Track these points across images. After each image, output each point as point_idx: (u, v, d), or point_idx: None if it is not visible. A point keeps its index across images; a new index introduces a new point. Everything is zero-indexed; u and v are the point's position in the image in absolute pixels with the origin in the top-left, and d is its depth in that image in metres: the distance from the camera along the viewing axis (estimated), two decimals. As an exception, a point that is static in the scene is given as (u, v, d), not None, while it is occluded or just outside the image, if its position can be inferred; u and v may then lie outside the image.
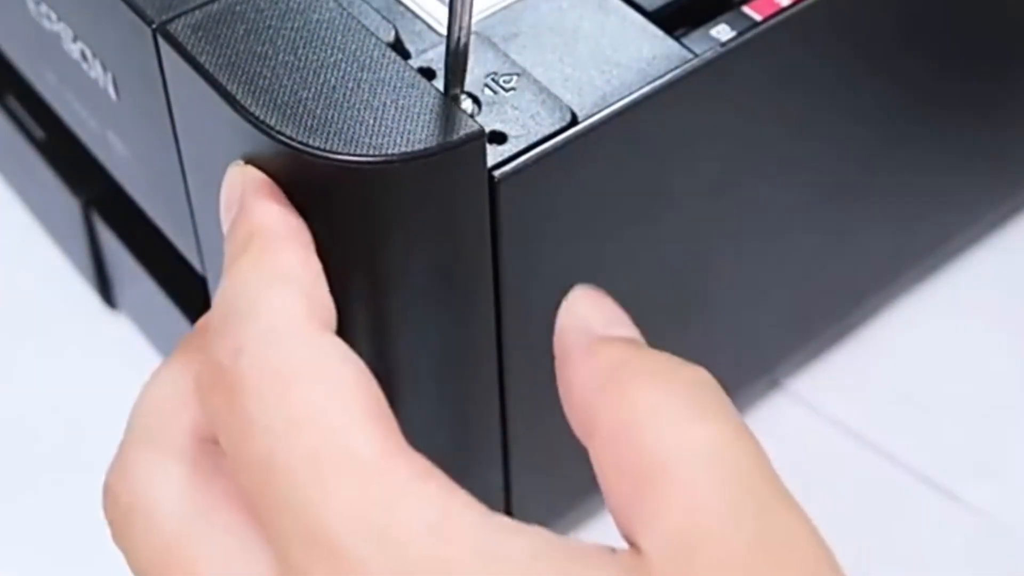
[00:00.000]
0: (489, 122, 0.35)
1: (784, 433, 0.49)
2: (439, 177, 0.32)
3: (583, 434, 0.31)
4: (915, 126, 0.46)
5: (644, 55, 0.38)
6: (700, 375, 0.31)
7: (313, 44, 0.34)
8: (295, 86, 0.33)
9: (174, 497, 0.31)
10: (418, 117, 0.32)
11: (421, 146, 0.32)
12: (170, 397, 0.32)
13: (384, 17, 0.37)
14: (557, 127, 0.35)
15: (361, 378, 0.29)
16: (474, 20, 0.38)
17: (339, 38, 0.34)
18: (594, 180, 0.37)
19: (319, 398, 0.28)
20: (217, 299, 0.31)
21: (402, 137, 0.32)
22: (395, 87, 0.33)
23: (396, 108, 0.33)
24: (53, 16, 0.41)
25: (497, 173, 0.35)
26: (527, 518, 0.42)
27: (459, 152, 0.32)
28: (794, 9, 0.39)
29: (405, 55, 0.37)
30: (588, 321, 0.32)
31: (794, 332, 0.49)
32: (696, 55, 0.38)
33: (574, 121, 0.36)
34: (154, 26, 0.35)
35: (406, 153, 0.32)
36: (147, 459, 0.31)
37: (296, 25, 0.34)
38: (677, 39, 0.38)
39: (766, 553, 0.28)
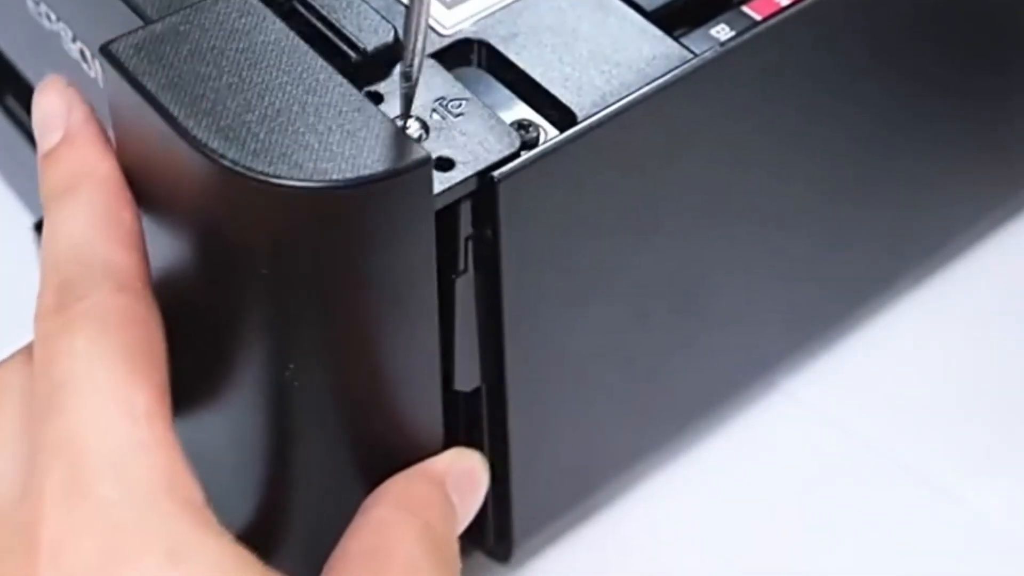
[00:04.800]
0: (437, 148, 0.35)
1: (782, 434, 0.49)
2: (385, 203, 0.32)
3: None
4: (915, 126, 0.46)
5: (644, 55, 0.38)
6: None
7: (259, 66, 0.33)
8: (239, 109, 0.32)
9: None
10: (364, 142, 0.32)
11: (367, 171, 0.31)
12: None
13: (383, 17, 0.37)
14: (505, 153, 0.35)
15: (160, 341, 0.35)
16: (473, 20, 0.38)
17: (285, 61, 0.33)
18: (593, 180, 0.37)
19: (122, 350, 0.34)
20: (50, 237, 0.36)
21: (347, 162, 0.31)
22: (341, 111, 0.32)
23: (342, 132, 0.32)
24: (52, 16, 0.41)
25: (496, 173, 0.35)
26: (528, 519, 0.43)
27: (405, 178, 0.32)
28: (794, 9, 0.39)
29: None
30: None
31: (793, 333, 0.49)
32: (696, 55, 0.38)
33: (573, 121, 0.36)
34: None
35: (351, 179, 0.31)
36: None
37: (241, 47, 0.34)
38: (676, 39, 0.38)
39: None
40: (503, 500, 0.42)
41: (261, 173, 0.31)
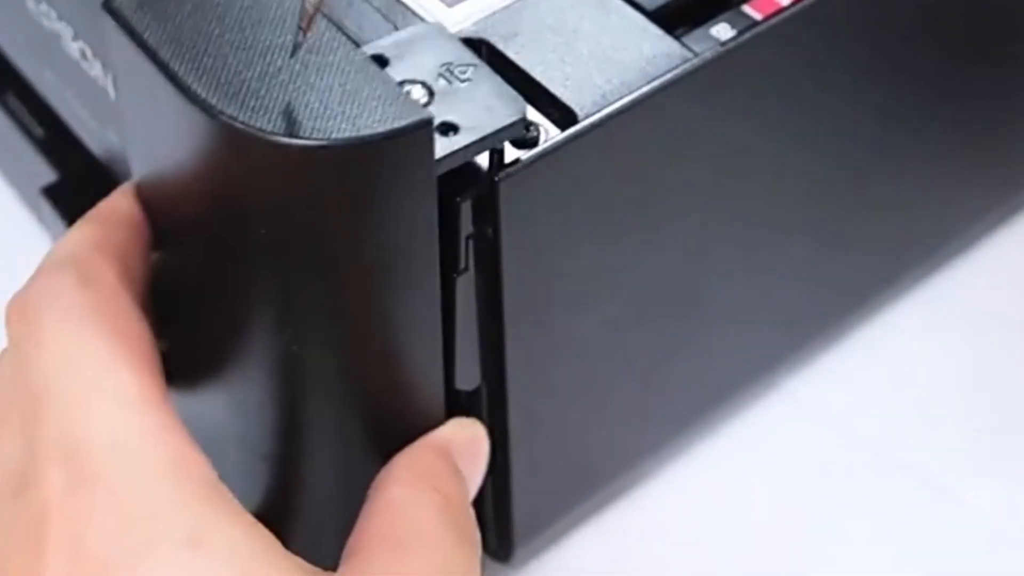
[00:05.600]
0: (441, 112, 0.34)
1: (782, 434, 0.49)
2: (384, 164, 0.31)
3: None
4: (915, 126, 0.46)
5: (644, 54, 0.38)
6: None
7: (261, 25, 0.33)
8: (240, 66, 0.32)
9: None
10: (365, 102, 0.31)
11: (366, 132, 0.31)
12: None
13: (384, 16, 0.37)
14: (511, 120, 0.34)
15: (140, 329, 0.34)
16: (474, 19, 0.38)
17: (288, 20, 0.33)
18: (594, 179, 0.37)
19: (99, 340, 0.33)
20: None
21: (347, 122, 0.31)
22: (343, 71, 0.32)
23: (343, 92, 0.31)
24: (53, 15, 0.41)
25: (497, 173, 0.35)
26: (529, 519, 0.43)
27: (405, 139, 0.31)
28: (794, 8, 0.39)
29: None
30: None
31: (794, 332, 0.49)
32: (696, 54, 0.38)
33: (574, 120, 0.36)
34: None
35: (350, 138, 0.31)
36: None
37: (245, 4, 0.33)
38: (677, 38, 0.38)
39: None
40: (504, 500, 0.42)
41: (259, 130, 0.30)
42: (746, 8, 0.39)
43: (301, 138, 0.30)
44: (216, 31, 0.33)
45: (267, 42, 0.32)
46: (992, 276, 0.53)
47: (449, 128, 0.34)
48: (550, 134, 0.36)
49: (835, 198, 0.46)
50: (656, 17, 0.39)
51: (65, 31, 0.41)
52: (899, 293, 0.52)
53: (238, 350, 0.35)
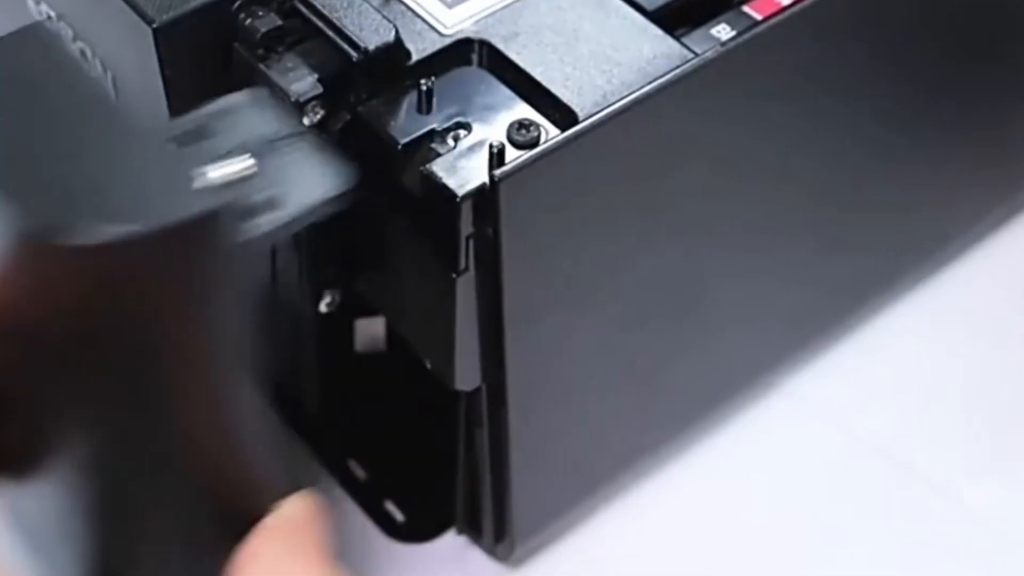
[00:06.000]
0: (264, 186, 0.33)
1: (783, 434, 0.49)
2: (178, 254, 0.30)
3: None
4: (915, 126, 0.46)
5: (645, 54, 0.38)
6: None
7: (69, 118, 0.31)
8: (30, 160, 0.30)
9: None
10: (158, 193, 0.30)
11: (156, 225, 0.29)
12: None
13: (384, 16, 0.37)
14: (334, 193, 0.34)
15: None
16: (474, 20, 0.38)
17: (85, 107, 0.31)
18: (594, 179, 0.37)
19: None
20: None
21: (137, 215, 0.29)
22: (137, 160, 0.31)
23: (135, 184, 0.30)
24: (53, 15, 0.41)
25: (497, 173, 0.35)
26: (528, 518, 0.43)
27: (197, 230, 0.30)
28: (795, 8, 0.39)
29: (406, 55, 0.37)
30: None
31: (794, 333, 0.49)
32: (697, 54, 0.38)
33: (574, 120, 0.36)
34: (154, 26, 0.35)
35: (139, 233, 0.29)
36: None
37: (41, 93, 0.31)
38: (677, 39, 0.38)
39: None
40: (503, 500, 0.42)
41: (50, 228, 0.29)
42: (746, 8, 0.39)
43: (87, 236, 0.29)
44: (23, 125, 0.31)
45: (74, 134, 0.31)
46: (992, 276, 0.53)
47: (269, 204, 0.33)
48: (550, 134, 0.36)
49: (835, 198, 0.46)
50: (656, 17, 0.39)
51: (65, 31, 0.41)
52: (899, 293, 0.52)
53: (67, 444, 0.33)
